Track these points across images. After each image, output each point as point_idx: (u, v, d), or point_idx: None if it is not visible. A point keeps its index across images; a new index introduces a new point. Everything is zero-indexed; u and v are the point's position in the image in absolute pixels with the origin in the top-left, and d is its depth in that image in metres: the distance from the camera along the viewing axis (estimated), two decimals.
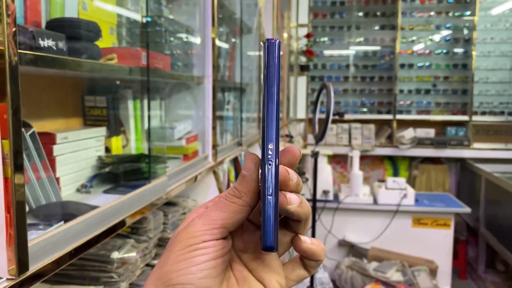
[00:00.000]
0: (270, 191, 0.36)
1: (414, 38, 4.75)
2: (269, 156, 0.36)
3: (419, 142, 4.48)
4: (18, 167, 0.65)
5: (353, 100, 4.89)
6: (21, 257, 0.66)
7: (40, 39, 0.77)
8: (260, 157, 0.37)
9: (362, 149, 4.41)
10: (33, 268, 0.69)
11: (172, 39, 1.64)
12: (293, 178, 0.38)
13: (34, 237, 0.71)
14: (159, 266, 0.38)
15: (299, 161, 0.40)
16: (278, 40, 0.37)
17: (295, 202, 0.37)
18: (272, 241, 0.36)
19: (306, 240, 0.39)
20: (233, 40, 2.43)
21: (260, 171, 0.37)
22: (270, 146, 0.36)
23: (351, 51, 4.87)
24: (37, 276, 0.70)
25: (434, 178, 4.60)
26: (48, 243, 0.73)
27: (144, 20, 1.26)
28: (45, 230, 0.77)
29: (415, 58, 4.76)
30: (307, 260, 0.41)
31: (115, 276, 1.01)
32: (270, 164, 0.36)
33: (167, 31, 1.57)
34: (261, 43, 0.38)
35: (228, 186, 2.09)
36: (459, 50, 4.66)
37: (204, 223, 0.37)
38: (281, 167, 0.37)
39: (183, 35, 1.75)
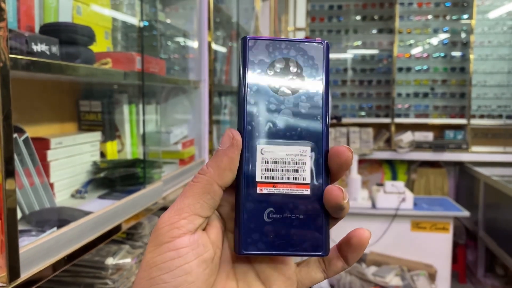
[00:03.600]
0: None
1: (412, 41, 4.75)
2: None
3: (418, 146, 4.48)
4: (9, 173, 0.64)
5: (351, 104, 4.88)
6: (12, 264, 0.65)
7: (33, 43, 0.76)
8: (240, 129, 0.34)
9: (360, 153, 4.40)
10: (24, 275, 0.68)
11: (169, 43, 1.64)
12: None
13: (26, 244, 0.70)
14: (138, 271, 0.33)
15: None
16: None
17: (347, 196, 0.33)
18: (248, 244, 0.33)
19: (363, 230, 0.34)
20: (230, 44, 2.43)
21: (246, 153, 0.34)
22: None
23: (349, 54, 4.88)
24: (29, 283, 0.69)
25: (433, 181, 4.59)
26: (40, 249, 0.73)
27: (140, 24, 1.25)
28: (37, 236, 0.76)
29: (413, 62, 4.76)
30: (351, 251, 0.35)
31: (110, 283, 1.00)
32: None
33: (163, 35, 1.56)
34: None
35: None
36: (456, 53, 4.67)
37: (169, 215, 0.31)
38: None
39: (180, 39, 1.75)
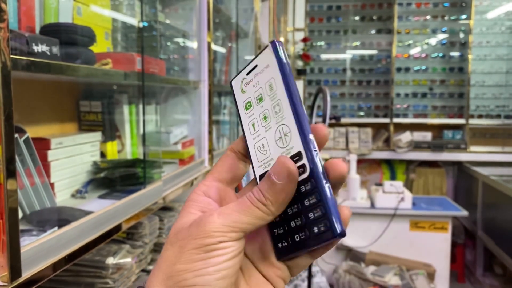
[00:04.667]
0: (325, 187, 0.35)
1: (411, 42, 4.76)
2: (314, 149, 0.36)
3: (416, 146, 4.49)
4: (11, 173, 0.64)
5: (350, 104, 4.89)
6: (14, 263, 0.65)
7: (33, 44, 0.76)
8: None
9: (359, 153, 4.41)
10: (26, 274, 0.68)
11: (168, 43, 1.64)
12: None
13: (27, 243, 0.71)
14: (168, 263, 0.35)
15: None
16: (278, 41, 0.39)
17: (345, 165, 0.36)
18: (341, 227, 0.34)
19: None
20: (230, 44, 2.44)
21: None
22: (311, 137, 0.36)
23: (348, 55, 4.88)
24: (30, 282, 0.69)
25: (431, 181, 4.60)
26: (41, 249, 0.73)
27: (140, 25, 1.26)
28: (38, 236, 0.76)
29: (412, 62, 4.77)
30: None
31: (110, 282, 1.00)
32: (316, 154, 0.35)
33: (163, 36, 1.57)
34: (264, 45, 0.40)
35: None
36: (455, 53, 4.68)
37: (223, 224, 0.35)
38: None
39: (180, 40, 1.75)
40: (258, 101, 0.39)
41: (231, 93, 0.41)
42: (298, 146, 0.36)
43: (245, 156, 0.41)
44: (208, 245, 0.34)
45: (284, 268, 0.39)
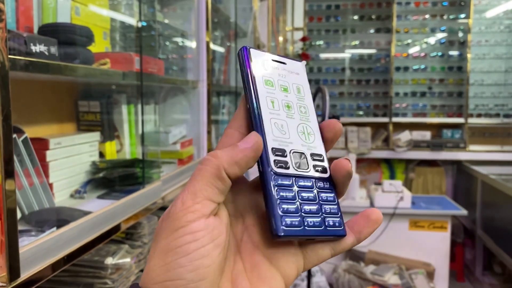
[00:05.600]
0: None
1: (409, 41, 4.76)
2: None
3: (415, 145, 4.49)
4: (9, 174, 0.64)
5: (349, 103, 4.89)
6: (12, 263, 0.65)
7: (32, 44, 0.76)
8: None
9: (358, 152, 4.41)
10: (24, 275, 0.68)
11: (167, 43, 1.64)
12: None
13: (26, 244, 0.70)
14: (148, 259, 0.32)
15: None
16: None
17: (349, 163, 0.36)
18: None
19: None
20: (228, 44, 2.44)
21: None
22: None
23: (347, 54, 4.88)
24: (29, 283, 0.69)
25: (431, 180, 4.60)
26: (40, 249, 0.73)
27: (138, 24, 1.26)
28: (37, 236, 0.76)
29: (411, 61, 4.77)
30: (368, 225, 0.37)
31: (109, 282, 1.00)
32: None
33: (162, 35, 1.56)
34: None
35: None
36: (454, 52, 4.68)
37: (183, 200, 0.31)
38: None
39: (178, 39, 1.75)
40: (282, 88, 0.40)
41: (240, 57, 0.39)
42: (320, 150, 0.39)
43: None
44: (176, 230, 0.31)
45: (298, 255, 0.36)
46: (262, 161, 0.35)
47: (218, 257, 0.31)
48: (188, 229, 0.30)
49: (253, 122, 0.36)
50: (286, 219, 0.34)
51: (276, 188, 0.35)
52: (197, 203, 0.31)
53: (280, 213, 0.34)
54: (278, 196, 0.34)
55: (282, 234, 0.33)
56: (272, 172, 0.35)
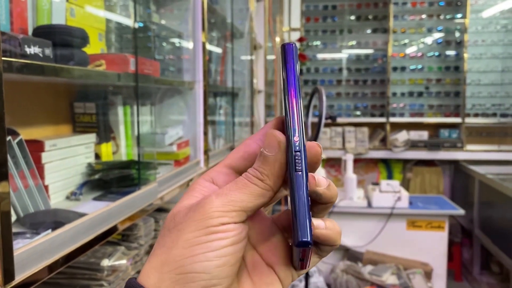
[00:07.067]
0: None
1: (406, 41, 4.77)
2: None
3: (413, 145, 4.50)
4: (3, 176, 0.64)
5: (347, 104, 4.90)
6: (7, 266, 0.65)
7: (26, 46, 0.76)
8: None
9: (355, 152, 4.42)
10: (19, 277, 0.68)
11: (163, 44, 1.64)
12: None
13: (21, 246, 0.70)
14: (164, 248, 0.33)
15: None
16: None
17: (323, 184, 0.34)
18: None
19: (320, 225, 0.34)
20: (225, 44, 2.43)
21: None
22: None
23: (344, 54, 4.89)
24: (24, 285, 0.69)
25: (428, 180, 4.61)
26: (35, 251, 0.73)
27: (135, 25, 1.25)
28: (32, 238, 0.76)
29: (408, 61, 4.78)
30: (321, 245, 0.36)
31: (106, 284, 1.00)
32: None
33: (158, 36, 1.56)
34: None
35: None
36: (451, 52, 4.69)
37: (223, 203, 0.32)
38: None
39: (175, 40, 1.75)
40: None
41: (283, 52, 0.36)
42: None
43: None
44: (208, 227, 0.32)
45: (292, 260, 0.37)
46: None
47: (239, 258, 0.33)
48: (221, 228, 0.32)
49: (293, 127, 0.34)
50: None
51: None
52: (235, 211, 0.33)
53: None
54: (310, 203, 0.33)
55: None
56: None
